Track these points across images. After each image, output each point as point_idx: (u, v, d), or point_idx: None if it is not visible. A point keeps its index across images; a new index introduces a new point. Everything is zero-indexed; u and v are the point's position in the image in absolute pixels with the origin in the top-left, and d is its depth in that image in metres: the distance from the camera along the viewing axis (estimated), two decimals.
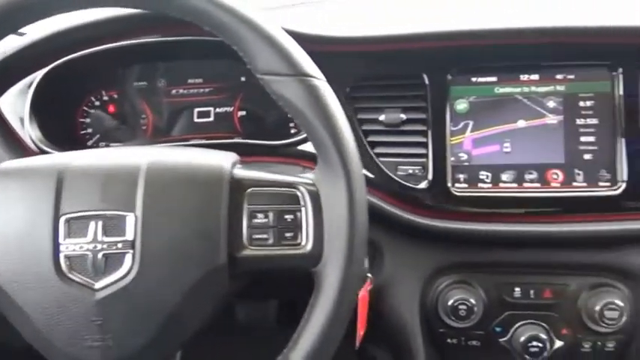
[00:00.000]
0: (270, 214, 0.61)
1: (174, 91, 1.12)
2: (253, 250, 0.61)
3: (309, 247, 0.61)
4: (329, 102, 0.62)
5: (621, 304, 0.91)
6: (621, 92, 0.89)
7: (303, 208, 0.62)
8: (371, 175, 0.95)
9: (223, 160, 0.65)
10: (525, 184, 0.92)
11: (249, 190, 0.62)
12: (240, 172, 0.65)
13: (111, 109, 1.13)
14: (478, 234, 0.93)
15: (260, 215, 0.61)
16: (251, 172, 0.66)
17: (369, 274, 0.93)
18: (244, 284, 0.65)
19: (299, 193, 0.62)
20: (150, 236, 0.59)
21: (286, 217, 0.61)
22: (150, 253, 0.59)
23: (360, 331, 0.92)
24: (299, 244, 0.61)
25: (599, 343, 0.94)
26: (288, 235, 0.61)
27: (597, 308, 0.91)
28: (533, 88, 0.93)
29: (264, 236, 0.61)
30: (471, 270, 0.97)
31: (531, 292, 0.94)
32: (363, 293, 0.92)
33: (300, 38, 0.98)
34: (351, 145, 0.62)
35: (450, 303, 0.94)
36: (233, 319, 1.31)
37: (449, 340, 0.98)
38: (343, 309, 0.59)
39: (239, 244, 0.61)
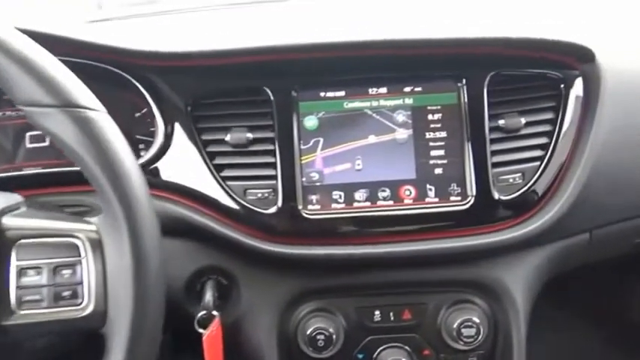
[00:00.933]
0: (44, 271, 0.51)
1: None
2: (24, 314, 0.51)
3: (91, 306, 0.52)
4: (104, 137, 0.53)
5: (477, 320, 0.89)
6: (466, 103, 0.88)
7: (83, 260, 0.52)
8: (219, 201, 0.88)
9: None
10: (379, 203, 0.88)
11: (18, 242, 0.52)
12: (10, 221, 0.54)
13: None
14: (334, 258, 0.87)
15: (32, 272, 0.51)
16: (24, 219, 0.56)
17: (214, 312, 0.86)
18: (30, 351, 0.55)
19: (79, 243, 0.53)
20: None
21: (64, 272, 0.51)
22: None
23: None
24: (79, 304, 0.52)
25: None
26: (65, 294, 0.51)
27: (455, 326, 0.89)
28: (382, 102, 0.89)
29: (37, 297, 0.51)
30: (330, 296, 0.91)
31: (391, 314, 0.91)
32: (213, 333, 0.85)
33: (132, 54, 0.91)
34: (134, 185, 0.53)
35: (308, 333, 0.89)
36: None
37: None
38: None
39: (5, 310, 0.51)
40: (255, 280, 0.90)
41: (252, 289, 0.91)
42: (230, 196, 0.87)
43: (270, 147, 0.88)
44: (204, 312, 0.85)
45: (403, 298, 0.91)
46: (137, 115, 0.92)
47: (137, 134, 0.92)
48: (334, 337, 0.88)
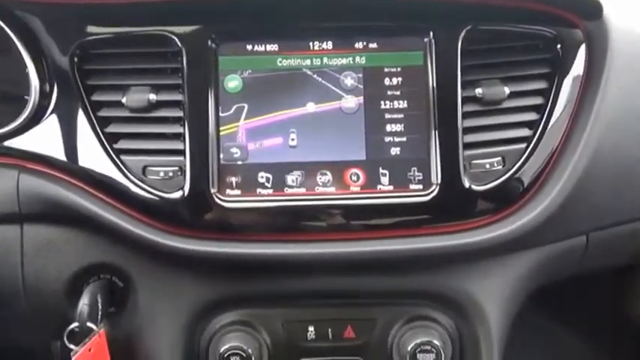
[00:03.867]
0: None
1: None
2: None
3: None
4: None
5: (438, 343, 0.70)
6: (434, 65, 0.68)
7: None
8: (111, 181, 0.68)
9: None
10: (317, 189, 0.68)
11: None
12: None
13: None
14: (257, 259, 0.68)
15: None
16: None
17: (94, 326, 0.68)
18: None
19: None
20: None
21: None
22: None
23: None
24: None
25: None
26: None
27: (410, 349, 0.70)
28: (326, 61, 0.69)
29: None
30: (252, 306, 0.73)
31: (329, 331, 0.72)
32: (89, 351, 0.66)
33: None
34: None
35: (221, 352, 0.70)
36: None
37: None
38: None
39: None
40: (155, 283, 0.72)
41: (152, 295, 0.72)
42: (125, 174, 0.67)
43: (178, 113, 0.68)
44: (76, 324, 0.66)
45: (345, 311, 0.73)
46: (11, 68, 0.70)
47: (11, 93, 0.73)
48: (252, 357, 0.69)
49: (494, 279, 0.73)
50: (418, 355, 0.69)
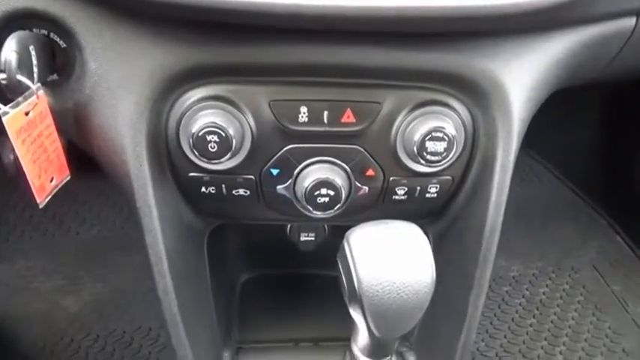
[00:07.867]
0: None
1: None
2: None
3: None
4: None
5: (451, 131, 0.60)
6: None
7: None
8: None
9: None
10: None
11: None
12: None
13: None
14: (238, 12, 0.52)
15: None
16: None
17: (30, 83, 0.53)
18: None
19: None
20: None
21: None
22: None
23: (35, 176, 0.55)
24: None
25: (418, 187, 0.65)
26: None
27: (417, 137, 0.60)
28: None
29: None
30: (232, 79, 0.58)
31: (325, 114, 0.60)
32: (26, 115, 0.53)
33: None
34: None
35: (194, 131, 0.58)
36: None
37: (204, 190, 0.64)
38: None
39: None
40: (108, 43, 0.55)
41: (104, 59, 0.56)
42: None
43: None
44: (3, 75, 0.51)
45: (345, 92, 0.60)
46: None
47: None
48: (233, 140, 0.58)
49: (523, 61, 0.61)
50: (427, 142, 0.59)
